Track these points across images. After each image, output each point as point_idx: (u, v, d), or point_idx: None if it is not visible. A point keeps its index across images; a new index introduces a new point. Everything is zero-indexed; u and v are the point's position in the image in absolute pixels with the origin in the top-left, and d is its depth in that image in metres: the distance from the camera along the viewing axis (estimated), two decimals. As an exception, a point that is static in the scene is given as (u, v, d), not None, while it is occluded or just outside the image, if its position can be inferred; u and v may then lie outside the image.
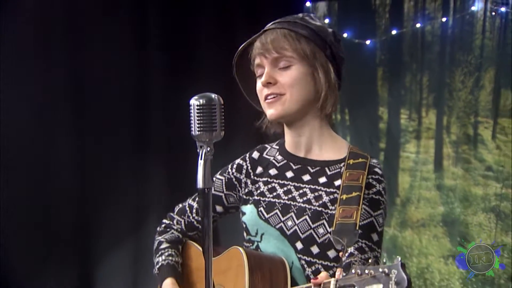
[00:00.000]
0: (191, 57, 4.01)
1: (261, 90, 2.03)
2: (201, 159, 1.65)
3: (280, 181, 2.10)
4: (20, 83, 3.51)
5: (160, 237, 2.30)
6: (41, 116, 3.63)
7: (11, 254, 3.52)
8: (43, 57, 3.62)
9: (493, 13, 3.87)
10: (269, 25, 2.07)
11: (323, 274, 1.72)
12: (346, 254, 1.90)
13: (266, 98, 2.02)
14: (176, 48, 4.00)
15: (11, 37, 3.50)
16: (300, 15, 2.07)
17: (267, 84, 2.00)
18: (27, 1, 3.57)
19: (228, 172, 2.22)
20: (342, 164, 2.02)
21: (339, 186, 1.98)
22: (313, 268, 1.98)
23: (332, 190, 2.00)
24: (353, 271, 1.60)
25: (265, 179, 2.14)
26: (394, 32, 4.20)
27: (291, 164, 2.11)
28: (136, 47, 3.96)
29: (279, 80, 2.00)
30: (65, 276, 3.69)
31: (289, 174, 2.10)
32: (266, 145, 2.22)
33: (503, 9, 3.83)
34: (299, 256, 2.00)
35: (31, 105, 3.57)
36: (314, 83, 2.03)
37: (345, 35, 4.23)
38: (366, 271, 1.57)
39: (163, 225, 2.33)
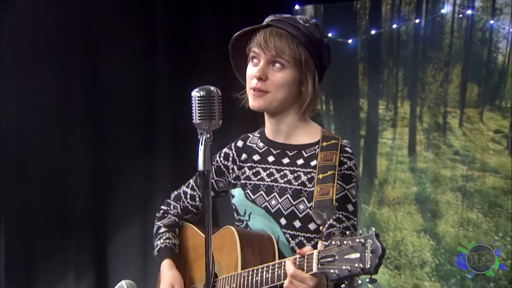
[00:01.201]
0: (194, 56, 4.00)
1: (250, 77, 2.01)
2: (201, 144, 1.66)
3: (263, 166, 2.11)
4: (37, 84, 3.51)
5: (158, 222, 2.30)
6: (59, 108, 3.63)
7: (34, 231, 3.53)
8: (59, 59, 3.61)
9: (460, 15, 3.87)
10: (273, 19, 2.03)
11: (307, 247, 1.73)
12: (326, 226, 1.90)
13: (253, 89, 2.00)
14: (180, 48, 4.00)
15: (28, 40, 3.49)
16: (300, 20, 2.02)
17: (259, 78, 1.98)
18: (44, 6, 3.55)
19: (217, 161, 2.22)
20: (317, 146, 2.03)
21: (315, 166, 1.99)
22: (297, 240, 2.00)
23: (309, 170, 2.01)
24: (333, 242, 1.61)
25: (250, 164, 2.14)
26: (373, 32, 4.20)
27: (272, 149, 2.11)
28: (145, 48, 3.94)
29: (270, 77, 1.98)
30: (82, 250, 3.70)
31: (271, 158, 2.10)
32: (249, 134, 2.22)
33: (469, 12, 3.83)
34: (284, 230, 2.01)
35: (46, 102, 3.56)
36: (299, 87, 2.01)
37: (329, 34, 4.22)
38: (345, 242, 1.58)
39: (161, 211, 2.34)
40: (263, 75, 1.98)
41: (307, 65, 1.99)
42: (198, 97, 1.66)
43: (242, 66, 2.08)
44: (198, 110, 1.66)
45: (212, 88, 1.68)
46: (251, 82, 2.00)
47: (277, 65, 1.98)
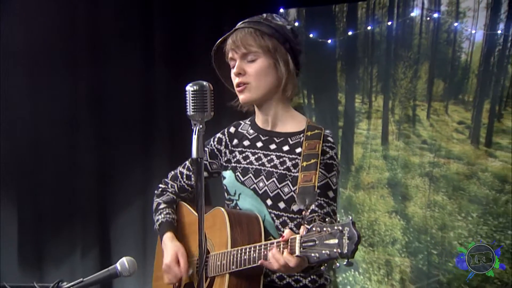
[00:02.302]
0: (189, 56, 4.00)
1: (233, 78, 2.04)
2: (195, 134, 1.68)
3: (252, 150, 2.12)
4: (49, 89, 3.51)
5: (158, 199, 2.31)
6: (68, 106, 3.64)
7: (45, 214, 3.53)
8: (66, 67, 3.61)
9: (428, 18, 3.88)
10: (239, 24, 2.06)
11: (287, 231, 1.75)
12: (309, 211, 1.92)
13: (237, 86, 2.03)
14: (177, 50, 4.02)
15: (38, 48, 3.49)
16: (264, 15, 2.06)
17: (238, 74, 2.01)
18: (55, 21, 3.54)
19: (211, 144, 2.23)
20: (302, 135, 2.04)
21: (299, 153, 2.00)
22: (281, 220, 2.01)
23: (293, 156, 2.03)
24: (314, 229, 1.63)
25: (240, 149, 2.15)
26: (350, 33, 4.20)
27: (260, 136, 2.13)
28: (144, 50, 3.95)
29: (247, 71, 2.01)
30: (88, 230, 3.71)
31: (259, 144, 2.11)
32: (241, 122, 2.24)
33: (435, 15, 3.84)
34: (269, 210, 2.02)
35: (58, 104, 3.57)
36: (276, 72, 2.03)
37: (311, 35, 4.23)
38: (324, 229, 1.59)
39: (159, 189, 2.34)
40: (240, 70, 2.01)
41: (276, 50, 2.00)
42: (191, 91, 1.68)
43: (228, 74, 2.11)
44: (192, 103, 1.67)
45: (205, 83, 1.69)
46: (234, 81, 2.04)
47: (249, 57, 2.01)
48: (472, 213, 3.69)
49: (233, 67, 2.04)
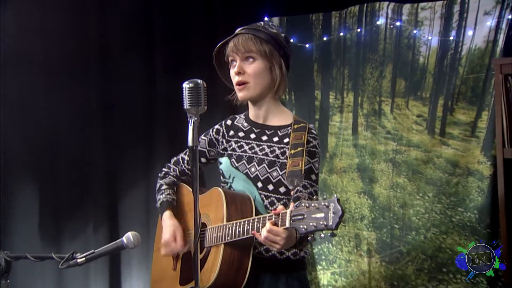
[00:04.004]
0: (186, 59, 3.99)
1: (233, 77, 2.06)
2: (190, 125, 1.70)
3: (246, 141, 2.14)
4: (62, 93, 3.49)
5: (161, 181, 2.33)
6: (80, 104, 3.62)
7: (62, 195, 3.53)
8: (79, 72, 3.60)
9: (391, 26, 3.89)
10: (239, 30, 2.08)
11: (280, 207, 1.78)
12: (295, 190, 1.95)
13: (237, 84, 2.05)
14: (176, 53, 4.00)
15: (53, 51, 3.46)
16: (262, 23, 2.08)
17: (238, 73, 2.02)
18: (68, 34, 3.51)
19: (210, 134, 2.25)
20: (289, 128, 2.07)
21: (287, 142, 2.03)
22: (269, 200, 2.04)
23: (282, 146, 2.06)
24: (302, 204, 1.65)
25: (236, 139, 2.17)
26: (325, 38, 4.21)
27: (253, 128, 2.15)
28: (146, 52, 3.93)
29: (246, 71, 2.03)
30: (98, 209, 3.71)
31: (252, 135, 2.14)
32: (236, 115, 2.26)
33: (398, 23, 3.85)
34: (260, 192, 2.05)
35: (71, 106, 3.56)
36: (271, 74, 2.06)
37: (291, 40, 4.23)
38: (312, 204, 1.62)
39: (163, 172, 2.36)
40: (241, 70, 2.03)
41: (272, 55, 2.03)
42: (188, 88, 1.69)
43: (226, 72, 2.12)
44: (188, 98, 1.68)
45: (199, 80, 1.71)
46: (234, 79, 2.06)
47: (249, 59, 2.03)
48: (428, 193, 3.73)
49: (234, 67, 2.05)
